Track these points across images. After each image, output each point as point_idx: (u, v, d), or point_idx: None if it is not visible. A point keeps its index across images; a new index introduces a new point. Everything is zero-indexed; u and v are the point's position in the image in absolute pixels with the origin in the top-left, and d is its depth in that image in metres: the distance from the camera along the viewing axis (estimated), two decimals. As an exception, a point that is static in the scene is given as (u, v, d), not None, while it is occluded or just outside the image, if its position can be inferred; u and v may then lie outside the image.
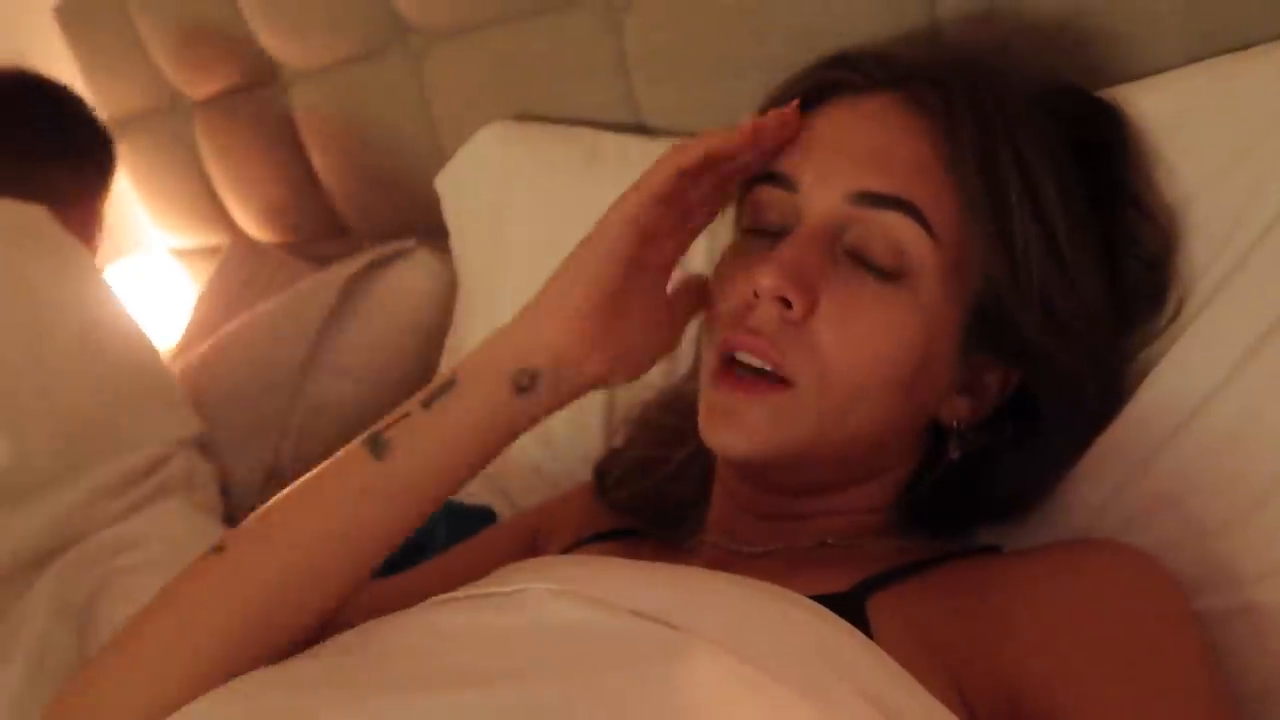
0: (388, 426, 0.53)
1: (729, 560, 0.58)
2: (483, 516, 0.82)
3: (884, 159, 0.55)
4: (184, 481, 1.00)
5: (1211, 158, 0.60)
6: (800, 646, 0.42)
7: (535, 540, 0.72)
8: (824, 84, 0.60)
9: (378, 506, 0.51)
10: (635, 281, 0.54)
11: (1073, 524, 0.61)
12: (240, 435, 1.13)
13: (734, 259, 0.58)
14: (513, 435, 0.53)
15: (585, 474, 0.79)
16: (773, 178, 0.58)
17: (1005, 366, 0.58)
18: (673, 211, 0.54)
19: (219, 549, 0.52)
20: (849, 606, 0.47)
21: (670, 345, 0.58)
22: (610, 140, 0.95)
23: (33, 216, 1.06)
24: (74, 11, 1.63)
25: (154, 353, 1.09)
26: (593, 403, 0.89)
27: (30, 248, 1.03)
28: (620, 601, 0.44)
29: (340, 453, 0.53)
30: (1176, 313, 0.61)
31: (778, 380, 0.53)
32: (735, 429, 0.53)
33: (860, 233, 0.54)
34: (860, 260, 0.54)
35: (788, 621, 0.44)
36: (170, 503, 0.96)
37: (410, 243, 1.21)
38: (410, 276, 1.18)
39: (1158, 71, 0.64)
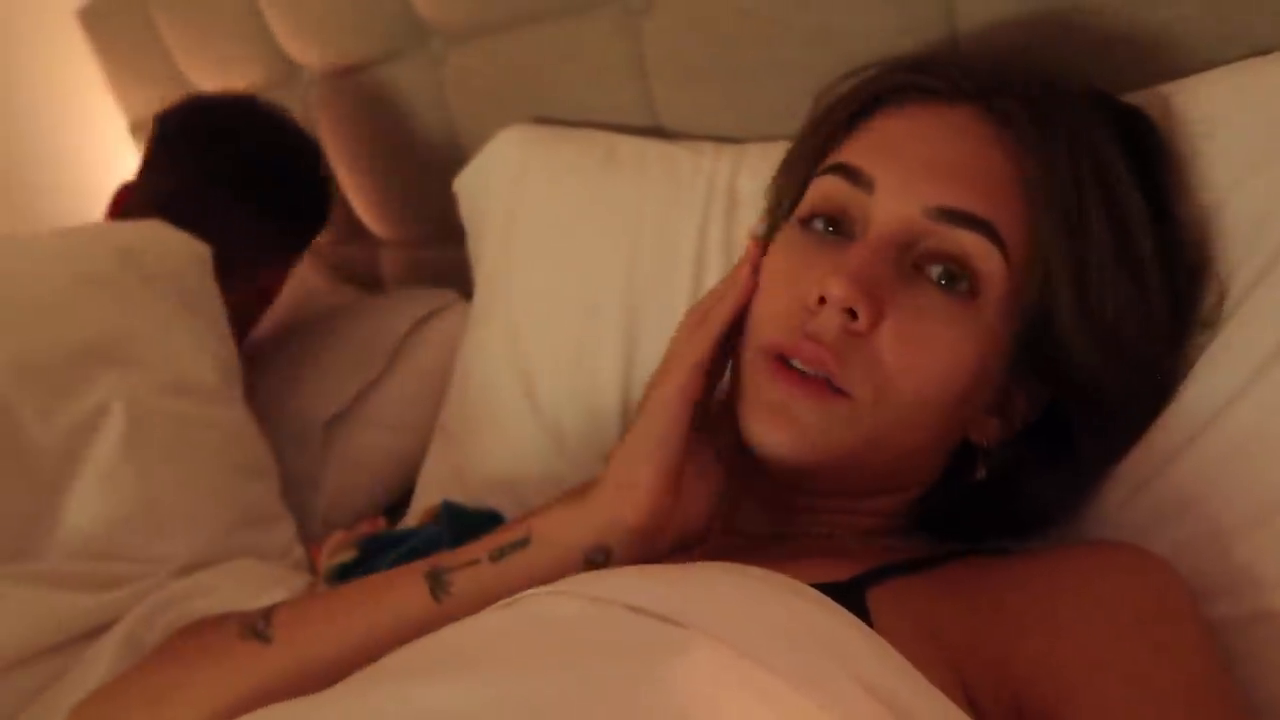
0: (452, 568, 0.54)
1: (734, 550, 0.58)
2: (487, 519, 0.82)
3: (967, 175, 0.54)
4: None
5: (1237, 163, 0.59)
6: (800, 637, 0.42)
7: None
8: (904, 86, 0.59)
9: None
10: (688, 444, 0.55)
11: (1089, 524, 0.61)
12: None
13: (788, 254, 0.57)
14: None
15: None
16: (846, 171, 0.56)
17: (1039, 386, 0.57)
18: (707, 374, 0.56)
19: (266, 639, 0.56)
20: (849, 596, 0.46)
21: (721, 492, 0.58)
22: (627, 143, 0.95)
23: (192, 257, 1.01)
24: (97, 14, 1.65)
25: (268, 453, 1.02)
26: (608, 407, 0.90)
27: (175, 305, 0.97)
28: (618, 598, 0.44)
29: (399, 577, 0.56)
30: (1215, 318, 0.59)
31: (834, 390, 0.52)
32: (787, 428, 0.52)
33: (933, 247, 0.53)
34: (927, 273, 0.53)
35: (788, 612, 0.44)
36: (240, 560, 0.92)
37: (452, 295, 1.22)
38: (451, 329, 1.18)
39: (1182, 76, 0.63)
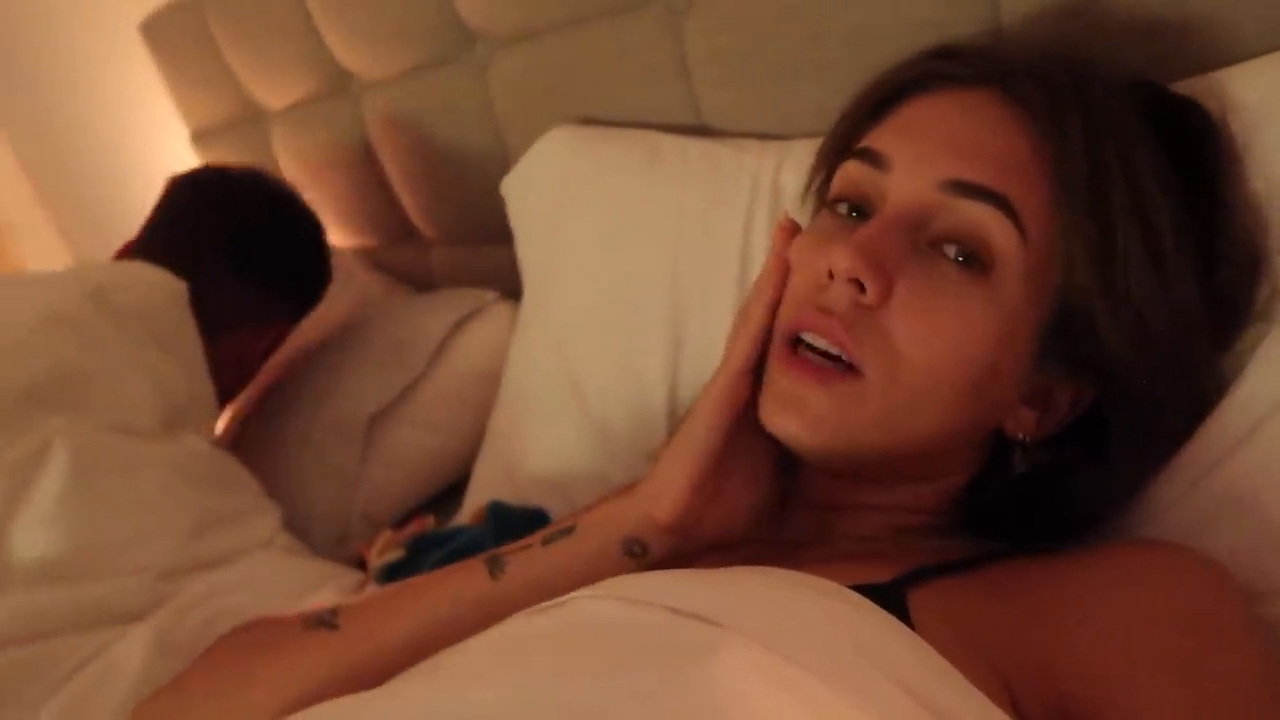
0: (509, 552, 0.58)
1: (774, 554, 0.58)
2: (533, 519, 0.83)
3: (981, 150, 0.53)
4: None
5: None
6: (837, 639, 0.42)
7: None
8: (927, 74, 0.58)
9: (483, 617, 0.53)
10: (734, 446, 0.56)
11: (1139, 524, 0.59)
12: (310, 485, 1.13)
13: (811, 236, 0.57)
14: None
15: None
16: (865, 154, 0.57)
17: (1079, 382, 0.56)
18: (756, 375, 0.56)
19: (332, 625, 0.59)
20: (890, 598, 0.46)
21: (777, 492, 0.60)
22: (670, 142, 0.95)
23: (168, 294, 1.03)
24: (158, 28, 1.69)
25: (233, 464, 1.04)
26: (655, 406, 0.90)
27: (144, 337, 0.98)
28: (657, 600, 0.45)
29: (460, 566, 0.60)
30: (1269, 312, 0.58)
31: (846, 367, 0.52)
32: (799, 416, 0.52)
33: (946, 222, 0.53)
34: (943, 251, 0.53)
35: (825, 614, 0.43)
36: (256, 554, 0.94)
37: (492, 295, 1.25)
38: (489, 330, 1.21)
39: (1233, 63, 0.62)
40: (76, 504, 0.86)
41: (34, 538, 0.84)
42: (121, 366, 0.96)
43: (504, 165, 1.12)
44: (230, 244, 1.13)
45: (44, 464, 0.86)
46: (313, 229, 1.23)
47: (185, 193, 1.18)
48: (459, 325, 1.22)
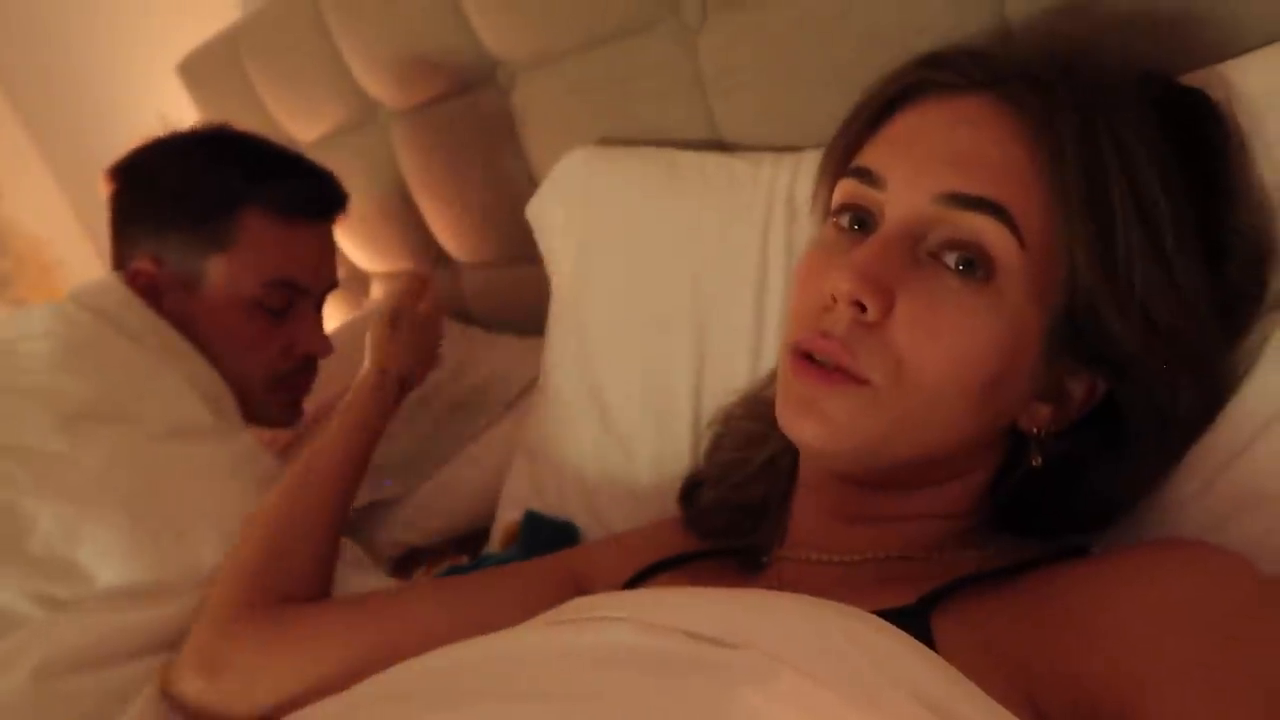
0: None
1: (798, 576, 0.59)
2: (564, 529, 0.84)
3: (974, 160, 0.53)
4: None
5: None
6: (856, 658, 0.42)
7: (576, 581, 0.72)
8: (918, 84, 0.59)
9: None
10: None
11: (1159, 520, 0.59)
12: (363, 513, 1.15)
13: (814, 254, 0.58)
14: None
15: (671, 489, 0.81)
16: (859, 172, 0.58)
17: (1091, 374, 0.56)
18: None
19: None
20: (913, 620, 0.46)
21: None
22: (687, 158, 0.96)
23: (111, 300, 1.02)
24: (194, 68, 1.74)
25: (282, 467, 1.03)
26: (680, 419, 0.91)
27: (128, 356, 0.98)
28: (675, 624, 0.45)
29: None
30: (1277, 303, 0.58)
31: (854, 378, 0.53)
32: (814, 419, 0.54)
33: (944, 234, 0.53)
34: (943, 260, 0.53)
35: (843, 634, 0.44)
36: None
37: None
38: None
39: (1237, 54, 0.61)
40: (146, 524, 0.87)
41: (106, 560, 0.85)
42: (154, 373, 0.98)
43: (531, 187, 1.14)
44: (169, 210, 1.11)
45: (108, 482, 0.87)
46: (206, 140, 1.20)
47: (119, 200, 1.16)
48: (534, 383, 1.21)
